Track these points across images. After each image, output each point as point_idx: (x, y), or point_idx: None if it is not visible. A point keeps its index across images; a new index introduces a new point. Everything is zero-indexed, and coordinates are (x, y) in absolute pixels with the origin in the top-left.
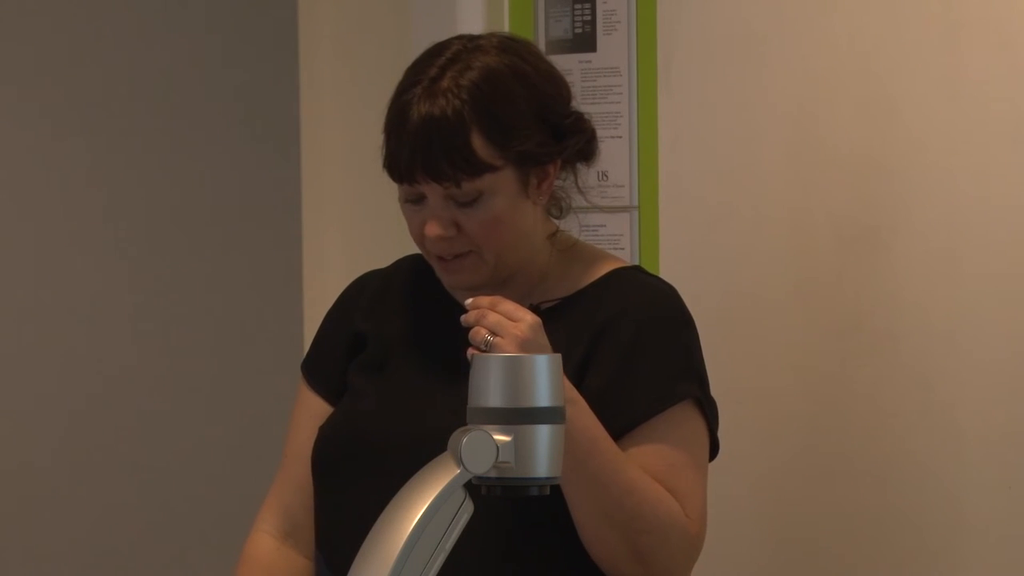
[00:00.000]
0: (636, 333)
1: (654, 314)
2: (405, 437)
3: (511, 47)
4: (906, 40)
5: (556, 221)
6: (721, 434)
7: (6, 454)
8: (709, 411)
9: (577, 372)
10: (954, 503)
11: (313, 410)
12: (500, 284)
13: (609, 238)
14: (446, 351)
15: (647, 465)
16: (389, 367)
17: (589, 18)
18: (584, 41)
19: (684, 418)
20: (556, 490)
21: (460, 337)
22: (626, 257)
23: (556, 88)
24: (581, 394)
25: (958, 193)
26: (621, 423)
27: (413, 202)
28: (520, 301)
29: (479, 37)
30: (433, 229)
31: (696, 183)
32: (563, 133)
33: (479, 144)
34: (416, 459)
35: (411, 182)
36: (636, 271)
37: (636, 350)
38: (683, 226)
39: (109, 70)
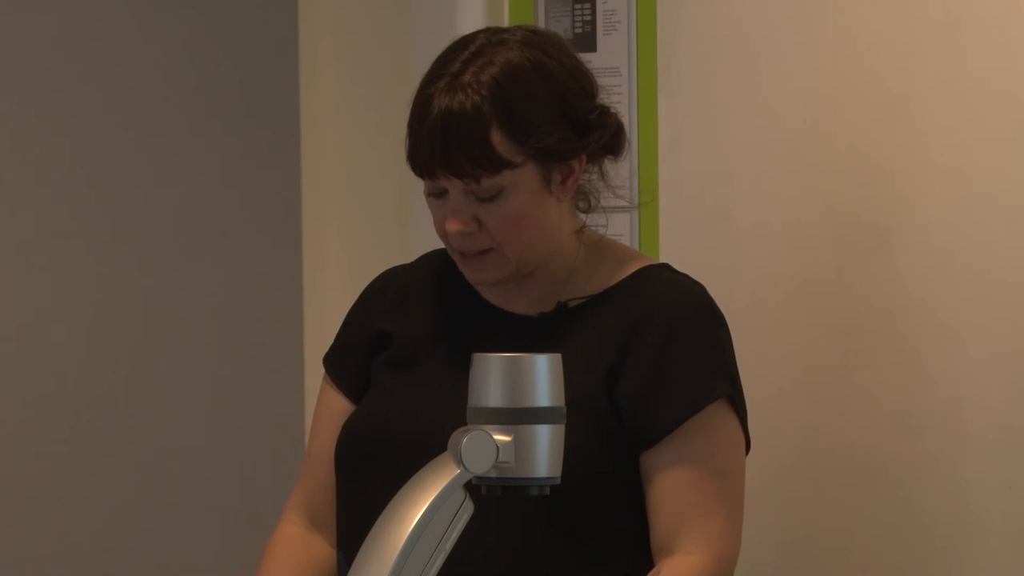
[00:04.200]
0: (667, 335)
1: (683, 314)
2: (430, 436)
3: (535, 41)
4: (906, 40)
5: (583, 216)
6: None
7: (7, 455)
8: (741, 408)
9: (608, 377)
10: (955, 503)
11: (335, 409)
12: (525, 279)
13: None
14: (472, 349)
15: (682, 494)
16: (416, 366)
17: (589, 18)
18: (584, 41)
19: (719, 419)
20: (557, 490)
21: (486, 335)
22: None
23: (579, 83)
24: (615, 399)
25: (958, 193)
26: (658, 428)
27: (436, 196)
28: (547, 298)
29: (505, 30)
30: (454, 225)
31: (696, 183)
32: (586, 128)
33: (498, 140)
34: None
35: (431, 177)
36: (664, 269)
37: (667, 352)
38: (683, 226)
39: (109, 70)
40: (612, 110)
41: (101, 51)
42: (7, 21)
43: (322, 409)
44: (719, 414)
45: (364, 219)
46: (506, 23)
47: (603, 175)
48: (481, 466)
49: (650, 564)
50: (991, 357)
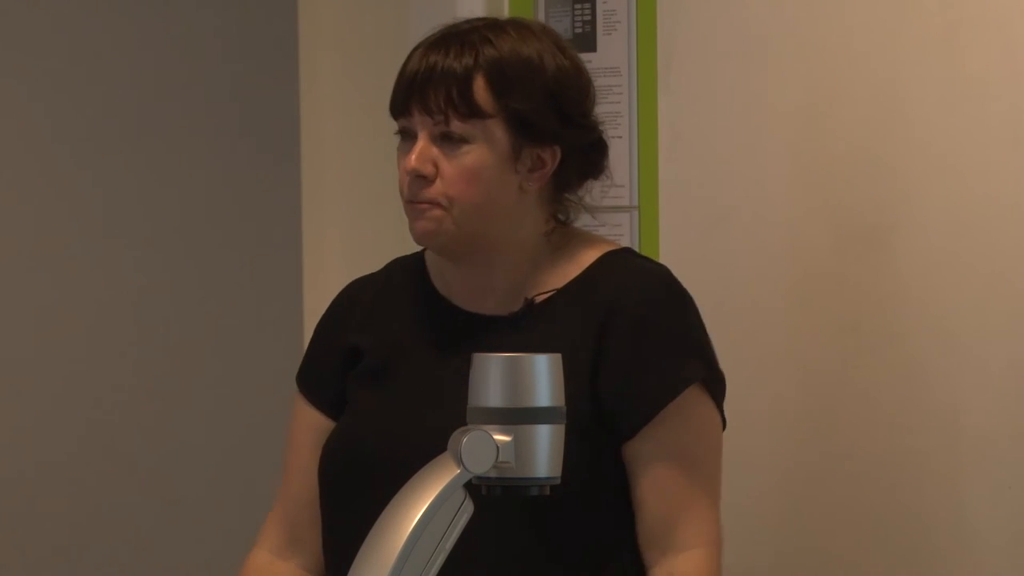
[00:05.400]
0: (633, 325)
1: (648, 301)
2: (409, 450)
3: (551, 33)
4: (906, 39)
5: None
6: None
7: (8, 457)
8: (716, 388)
9: (589, 377)
10: (954, 503)
11: (312, 424)
12: (487, 271)
13: (609, 238)
14: (443, 358)
15: (666, 487)
16: (388, 379)
17: (589, 18)
18: (584, 41)
19: (692, 405)
20: (557, 490)
21: (457, 341)
22: None
23: (579, 81)
24: (598, 396)
25: (958, 192)
26: (634, 420)
27: (404, 139)
28: (513, 293)
29: (531, 21)
30: (411, 161)
31: (696, 183)
32: (569, 120)
33: (479, 87)
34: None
35: (406, 112)
36: (627, 254)
37: (636, 343)
38: (683, 226)
39: (108, 70)
40: (602, 125)
41: (101, 51)
42: (7, 21)
43: (298, 425)
44: (692, 399)
45: (364, 219)
46: None
47: (581, 200)
48: (481, 466)
49: (638, 568)
50: (991, 357)
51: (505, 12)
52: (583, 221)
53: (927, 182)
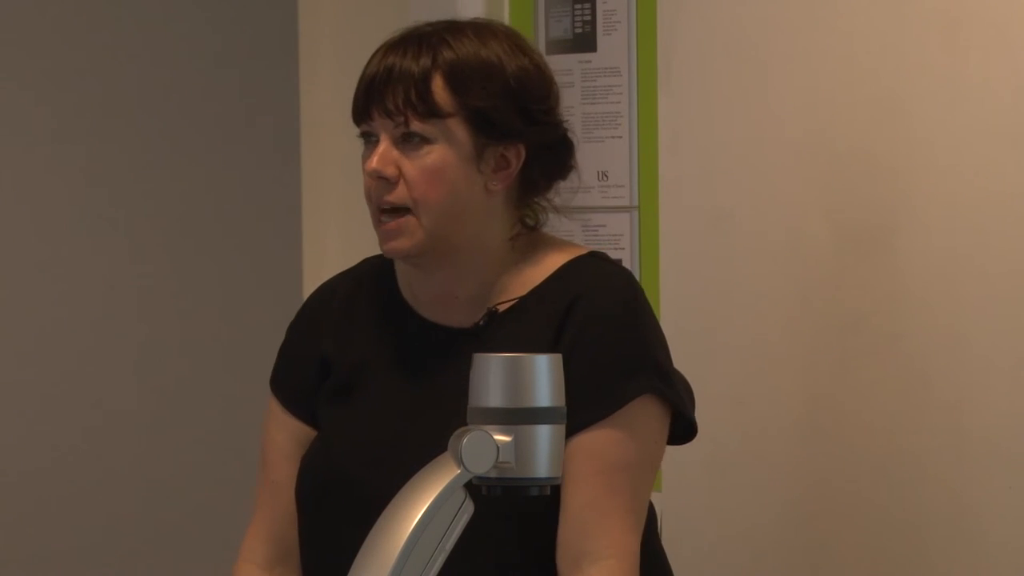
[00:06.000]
0: (582, 334)
1: (600, 311)
2: (384, 469)
3: (513, 35)
4: (907, 39)
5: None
6: (720, 436)
7: (8, 457)
8: (672, 396)
9: None
10: (955, 503)
11: (291, 432)
12: (454, 278)
13: (609, 238)
14: (409, 374)
15: (581, 498)
16: (355, 396)
17: (589, 18)
18: (584, 41)
19: (636, 416)
20: (557, 491)
21: (422, 354)
22: (626, 257)
23: (541, 80)
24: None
25: (959, 193)
26: (570, 425)
27: (367, 143)
28: (478, 302)
29: (494, 22)
30: (372, 162)
31: (696, 183)
32: (532, 118)
33: (438, 87)
34: (396, 490)
35: (367, 117)
36: (591, 259)
37: (584, 353)
38: (683, 226)
39: (109, 71)
40: (567, 123)
41: (101, 51)
42: (8, 21)
43: (276, 431)
44: (636, 410)
45: (364, 219)
46: (506, 23)
47: (551, 203)
48: (481, 466)
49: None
50: (992, 357)
51: (505, 12)
52: (582, 222)
53: (927, 182)
